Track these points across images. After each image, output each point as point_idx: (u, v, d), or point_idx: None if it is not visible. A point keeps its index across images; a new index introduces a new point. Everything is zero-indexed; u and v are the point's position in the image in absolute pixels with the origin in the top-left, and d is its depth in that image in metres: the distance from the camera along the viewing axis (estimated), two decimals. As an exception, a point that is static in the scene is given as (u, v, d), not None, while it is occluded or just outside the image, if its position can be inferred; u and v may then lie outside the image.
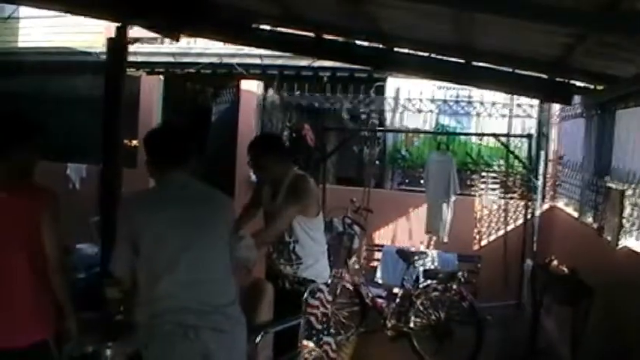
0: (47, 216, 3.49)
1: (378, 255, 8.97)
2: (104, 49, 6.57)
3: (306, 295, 4.62)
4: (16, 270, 3.43)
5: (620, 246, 5.51)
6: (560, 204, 8.93)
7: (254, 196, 5.19)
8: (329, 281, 5.16)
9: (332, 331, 5.16)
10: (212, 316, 3.29)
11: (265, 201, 4.94)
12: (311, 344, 4.72)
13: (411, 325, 6.81)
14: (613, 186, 6.07)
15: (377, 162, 10.50)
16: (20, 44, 12.66)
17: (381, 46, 6.49)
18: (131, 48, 7.52)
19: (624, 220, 5.54)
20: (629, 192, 5.63)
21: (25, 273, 3.45)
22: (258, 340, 3.84)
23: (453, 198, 8.79)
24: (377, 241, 9.54)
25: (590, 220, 7.03)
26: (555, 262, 6.42)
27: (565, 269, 6.16)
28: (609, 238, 5.78)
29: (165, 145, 3.59)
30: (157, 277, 3.27)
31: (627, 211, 5.57)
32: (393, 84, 10.24)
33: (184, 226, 3.36)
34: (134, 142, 10.88)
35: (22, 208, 3.46)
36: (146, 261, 3.29)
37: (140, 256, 3.29)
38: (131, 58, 7.50)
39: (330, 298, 5.09)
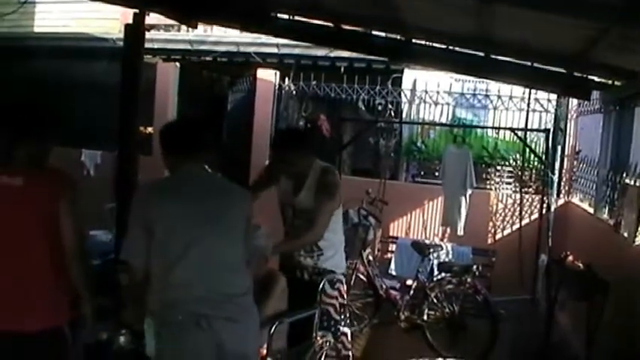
0: (65, 202, 3.49)
1: (392, 247, 8.95)
2: (121, 36, 6.58)
3: (322, 285, 4.61)
4: (34, 256, 3.44)
5: (636, 242, 5.48)
6: (576, 199, 8.90)
7: (263, 177, 5.15)
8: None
9: (348, 322, 5.15)
10: (225, 305, 3.29)
11: (285, 194, 4.88)
12: (329, 335, 4.73)
13: (425, 317, 6.80)
14: (631, 182, 6.04)
15: (392, 154, 10.49)
16: (36, 29, 12.65)
17: (399, 37, 6.48)
18: (148, 35, 7.52)
19: (642, 217, 5.51)
20: (647, 189, 5.61)
21: (43, 259, 3.45)
22: (272, 330, 3.83)
23: (469, 191, 8.76)
24: (392, 233, 9.54)
25: (605, 216, 7.00)
26: (570, 258, 6.40)
27: (580, 265, 6.13)
28: (626, 234, 5.75)
29: (180, 137, 3.59)
30: (169, 266, 3.27)
31: (645, 207, 5.54)
32: (410, 76, 10.21)
33: (199, 217, 3.36)
34: (149, 130, 10.91)
35: (40, 194, 3.47)
36: (159, 249, 3.29)
37: (154, 244, 3.29)
38: (148, 45, 7.51)
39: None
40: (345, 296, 5.03)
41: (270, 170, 5.13)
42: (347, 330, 5.04)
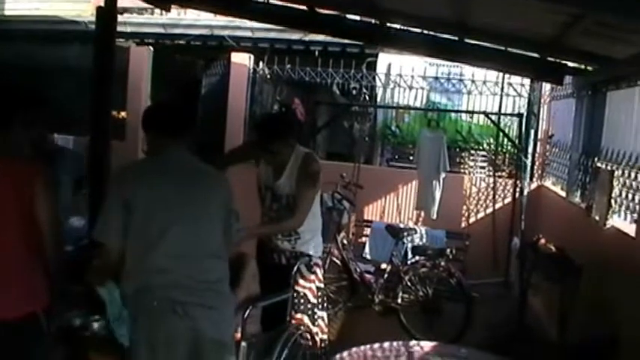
0: (41, 187, 3.45)
1: (367, 231, 8.99)
2: (93, 19, 6.49)
3: (297, 268, 4.63)
4: (10, 241, 3.40)
5: (607, 225, 5.55)
6: (549, 183, 8.98)
7: (239, 153, 5.15)
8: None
9: (326, 305, 5.17)
10: (201, 292, 3.28)
11: (264, 177, 4.89)
12: (305, 318, 4.75)
13: (399, 300, 6.84)
14: (602, 166, 6.10)
15: (367, 138, 10.51)
16: (6, 12, 12.46)
17: (373, 21, 6.47)
18: (120, 18, 7.46)
19: (612, 200, 5.58)
20: (619, 172, 5.67)
21: (19, 244, 3.42)
22: (246, 314, 3.84)
23: (443, 175, 8.79)
24: (366, 217, 9.56)
25: (577, 199, 7.07)
26: (543, 241, 6.47)
27: (553, 248, 6.20)
28: (597, 217, 5.81)
29: (166, 118, 3.57)
30: (145, 250, 3.25)
31: (616, 191, 5.61)
32: (385, 60, 10.23)
33: (177, 200, 3.34)
34: (123, 114, 10.82)
35: (16, 180, 3.43)
36: (136, 232, 3.26)
37: (130, 226, 3.26)
38: (120, 29, 7.43)
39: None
40: (322, 280, 5.06)
41: (249, 150, 5.13)
42: (324, 314, 5.05)
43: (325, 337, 5.07)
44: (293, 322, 4.61)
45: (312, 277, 4.84)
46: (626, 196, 5.54)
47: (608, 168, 5.87)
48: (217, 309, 3.33)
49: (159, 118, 3.57)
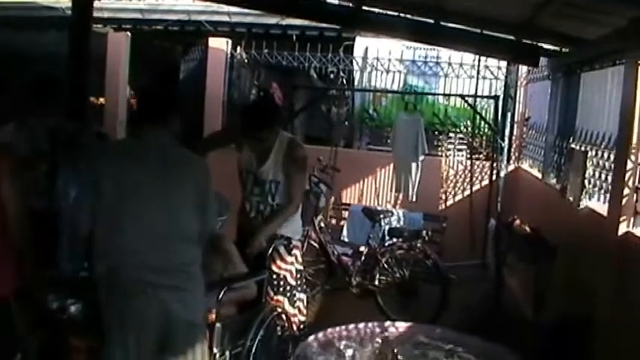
0: (8, 173, 3.45)
1: (345, 214, 9.02)
2: (69, 4, 6.45)
3: (273, 249, 4.68)
4: None
5: (581, 206, 5.61)
6: (525, 165, 9.04)
7: (219, 137, 5.17)
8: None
9: (304, 287, 5.21)
10: (172, 273, 3.29)
11: (247, 162, 4.90)
12: (285, 300, 4.78)
13: (376, 283, 6.86)
14: (576, 147, 6.16)
15: (346, 122, 10.52)
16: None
17: (351, 4, 6.48)
18: (97, 4, 7.40)
19: (586, 181, 5.63)
20: (592, 153, 5.73)
21: None
22: (221, 295, 3.86)
23: (421, 157, 8.81)
24: (345, 200, 9.58)
25: (553, 181, 7.14)
26: (518, 222, 6.53)
27: (527, 228, 6.26)
28: (571, 198, 5.88)
29: (146, 102, 3.58)
30: (118, 230, 3.26)
31: (589, 171, 5.67)
32: (362, 44, 10.22)
33: (152, 182, 3.33)
34: (101, 100, 10.76)
35: None
36: (108, 212, 3.27)
37: (102, 205, 3.26)
38: (97, 14, 7.39)
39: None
40: (301, 261, 5.09)
41: (230, 135, 5.14)
42: (303, 296, 5.10)
43: (304, 319, 5.11)
44: (272, 303, 4.65)
45: (291, 259, 4.88)
46: (599, 176, 5.60)
47: (582, 149, 5.93)
48: (188, 290, 3.34)
49: (139, 104, 3.61)
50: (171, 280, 3.27)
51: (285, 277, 4.82)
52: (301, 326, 5.01)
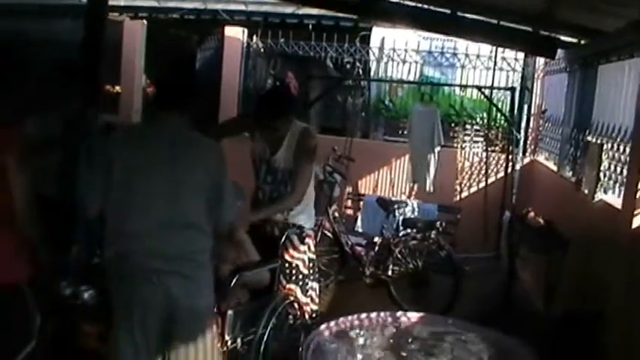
0: (15, 158, 3.51)
1: (359, 204, 9.02)
2: (86, -8, 6.45)
3: (285, 237, 4.69)
4: None
5: (596, 199, 5.58)
6: (541, 158, 9.01)
7: (233, 125, 5.16)
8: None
9: (317, 276, 5.21)
10: (178, 261, 3.28)
11: (260, 150, 4.90)
12: (297, 289, 4.79)
13: (389, 273, 6.87)
14: (592, 140, 6.13)
15: (361, 112, 10.51)
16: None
17: (367, -7, 6.47)
18: (113, -9, 7.43)
19: (601, 174, 5.61)
20: (608, 146, 5.69)
21: None
22: (232, 282, 3.87)
23: (437, 149, 8.80)
24: (360, 191, 9.59)
25: (568, 173, 7.11)
26: (532, 214, 6.51)
27: (541, 221, 6.24)
28: (586, 191, 5.85)
29: (161, 89, 3.58)
30: (126, 217, 3.25)
31: (605, 164, 5.64)
32: (379, 34, 10.20)
33: (162, 168, 3.31)
34: (117, 89, 10.79)
35: None
36: (117, 197, 3.26)
37: (113, 190, 3.26)
38: (113, 2, 7.40)
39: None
40: (314, 251, 5.10)
41: (244, 123, 5.13)
42: (315, 285, 5.09)
43: (316, 307, 5.10)
44: (284, 292, 4.66)
45: (304, 248, 4.87)
46: (614, 169, 5.57)
47: (598, 142, 5.90)
48: (193, 278, 3.32)
49: (157, 91, 3.57)
50: (178, 267, 3.26)
51: (297, 265, 4.82)
52: (313, 315, 5.00)
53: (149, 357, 3.23)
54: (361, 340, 4.11)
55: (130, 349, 3.19)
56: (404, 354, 4.00)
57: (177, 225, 3.30)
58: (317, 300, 5.13)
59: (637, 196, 4.51)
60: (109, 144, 3.38)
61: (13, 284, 3.56)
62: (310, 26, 10.18)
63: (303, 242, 4.86)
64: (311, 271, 4.97)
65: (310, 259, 4.96)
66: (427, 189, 8.95)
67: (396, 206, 7.45)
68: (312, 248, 5.04)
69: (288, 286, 4.75)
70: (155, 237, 3.25)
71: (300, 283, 4.84)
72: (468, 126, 10.02)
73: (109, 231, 3.31)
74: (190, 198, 3.36)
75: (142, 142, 3.40)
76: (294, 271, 4.80)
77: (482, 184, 9.38)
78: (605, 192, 5.64)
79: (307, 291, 4.92)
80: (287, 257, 4.76)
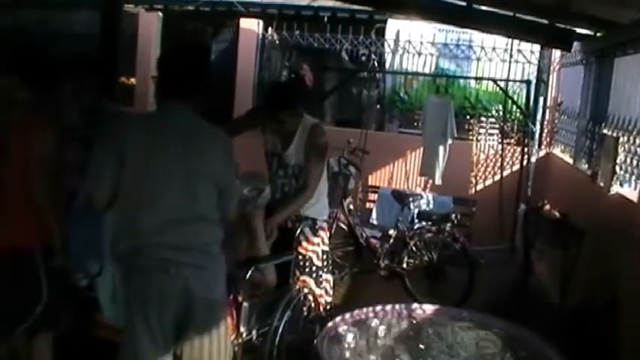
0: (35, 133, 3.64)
1: (374, 196, 9.02)
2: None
3: (300, 232, 4.70)
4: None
5: (612, 192, 5.57)
6: (557, 150, 8.98)
7: (245, 120, 5.18)
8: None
9: (331, 268, 5.22)
10: (194, 252, 3.25)
11: (272, 145, 4.92)
12: (310, 281, 4.81)
13: (404, 265, 6.88)
14: (608, 133, 6.11)
15: (377, 105, 10.51)
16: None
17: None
18: (129, -17, 7.46)
19: (617, 167, 5.59)
20: (624, 139, 5.67)
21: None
22: (248, 274, 3.90)
23: (449, 141, 8.78)
24: (375, 183, 9.59)
25: (584, 166, 7.08)
26: (547, 207, 6.50)
27: (557, 213, 6.23)
28: (602, 184, 5.83)
29: (180, 73, 3.40)
30: (142, 210, 3.20)
31: (621, 157, 5.62)
32: (394, 26, 10.18)
33: (177, 159, 3.26)
34: (132, 80, 10.84)
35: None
36: (130, 191, 3.21)
37: (124, 183, 3.19)
38: (129, -6, 7.43)
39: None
40: (328, 243, 5.11)
41: (255, 117, 5.13)
42: (329, 277, 5.10)
43: (330, 299, 5.13)
44: (298, 283, 4.68)
45: (317, 240, 4.88)
46: (630, 162, 5.55)
47: (614, 135, 5.88)
48: (209, 269, 3.31)
49: (169, 72, 3.41)
50: (193, 258, 3.23)
51: (310, 258, 4.83)
52: (327, 307, 5.03)
53: (165, 348, 3.22)
54: (380, 330, 4.15)
55: (147, 340, 3.17)
56: (422, 346, 4.03)
57: (191, 217, 3.27)
58: (331, 292, 5.15)
59: (653, 189, 4.51)
60: (120, 133, 3.28)
61: (25, 248, 3.65)
62: (325, 18, 10.18)
63: (316, 235, 4.87)
64: (325, 263, 4.98)
65: (324, 252, 4.97)
66: (436, 181, 8.93)
67: (410, 199, 7.46)
68: (326, 240, 5.04)
69: (302, 278, 4.77)
70: (170, 230, 3.21)
71: (314, 275, 4.86)
72: (483, 118, 10.00)
73: (123, 224, 3.27)
74: (203, 190, 3.32)
75: (154, 134, 3.30)
76: (307, 263, 4.81)
77: (497, 177, 9.37)
78: (621, 185, 5.62)
79: (321, 283, 4.93)
80: (300, 250, 4.77)
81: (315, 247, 4.87)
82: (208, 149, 3.39)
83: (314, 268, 4.85)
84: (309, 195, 4.70)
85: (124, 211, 3.25)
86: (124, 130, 3.32)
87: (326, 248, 5.03)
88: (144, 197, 3.21)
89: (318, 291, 4.87)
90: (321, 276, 4.92)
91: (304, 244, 4.79)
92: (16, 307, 3.70)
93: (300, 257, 4.77)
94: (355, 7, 9.12)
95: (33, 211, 3.64)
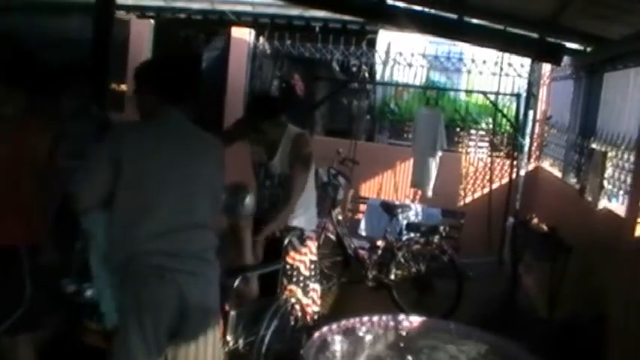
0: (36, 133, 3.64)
1: (363, 207, 9.03)
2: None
3: (288, 241, 4.69)
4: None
5: (600, 207, 5.58)
6: (546, 164, 9.00)
7: (232, 132, 5.18)
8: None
9: (319, 278, 5.22)
10: (190, 260, 3.25)
11: (257, 155, 4.93)
12: (298, 290, 4.81)
13: (392, 277, 6.88)
14: (597, 147, 6.13)
15: (367, 115, 10.53)
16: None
17: (375, -3, 6.48)
18: (121, -10, 7.45)
19: (605, 182, 5.61)
20: (612, 153, 5.69)
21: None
22: (236, 283, 3.89)
23: (439, 153, 8.79)
24: (364, 194, 9.59)
25: (573, 180, 7.11)
26: (535, 220, 6.51)
27: (545, 227, 6.24)
28: (590, 198, 5.85)
29: (175, 77, 3.43)
30: (138, 218, 3.18)
31: (609, 172, 5.63)
32: (385, 37, 10.22)
33: (172, 168, 3.26)
34: (123, 87, 10.81)
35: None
36: (127, 198, 3.18)
37: (120, 190, 3.17)
38: (121, 1, 7.41)
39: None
40: (316, 253, 5.12)
41: (240, 128, 5.13)
42: (317, 286, 5.11)
43: (318, 309, 5.14)
44: (286, 293, 4.67)
45: (305, 250, 4.89)
46: (619, 177, 5.57)
47: (602, 149, 5.90)
48: (204, 276, 3.31)
49: (164, 77, 3.41)
50: (189, 265, 3.23)
51: (298, 267, 4.84)
52: (315, 317, 5.03)
53: (158, 354, 3.21)
54: (367, 340, 4.14)
55: (140, 346, 3.14)
56: (410, 357, 4.03)
57: (187, 224, 3.27)
58: (318, 302, 5.15)
59: (640, 204, 4.52)
60: (118, 140, 3.24)
61: (10, 247, 3.62)
62: (317, 28, 10.19)
63: (303, 244, 4.88)
64: (312, 273, 4.99)
65: (312, 261, 4.98)
66: (427, 193, 8.94)
67: (399, 210, 7.46)
68: (314, 250, 5.05)
69: (289, 287, 4.77)
70: (166, 238, 3.20)
71: (302, 284, 4.86)
72: (473, 131, 10.03)
73: (119, 232, 3.24)
74: (198, 196, 3.34)
75: (151, 143, 3.29)
76: (295, 273, 4.82)
77: (486, 189, 9.40)
78: (609, 200, 5.63)
79: (308, 292, 4.94)
80: (288, 259, 4.78)
81: (303, 256, 4.88)
82: (204, 156, 3.40)
83: (301, 278, 4.86)
84: (292, 204, 4.70)
85: (121, 219, 3.22)
86: (121, 136, 3.29)
87: (314, 258, 5.04)
88: (141, 205, 3.20)
89: (305, 300, 4.87)
90: (308, 285, 4.93)
91: (292, 253, 4.79)
92: None
93: (288, 267, 4.77)
94: (347, 17, 9.13)
95: (20, 211, 3.63)
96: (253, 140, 4.90)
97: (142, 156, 3.22)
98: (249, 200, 4.32)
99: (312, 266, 5.00)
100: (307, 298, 4.92)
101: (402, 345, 4.17)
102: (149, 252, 3.18)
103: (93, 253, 3.54)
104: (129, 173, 3.16)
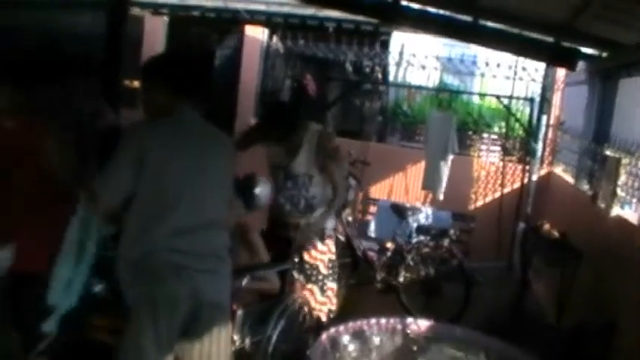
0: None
1: (373, 209, 9.00)
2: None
3: (309, 239, 4.71)
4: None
5: (612, 214, 5.54)
6: (558, 170, 8.94)
7: (248, 137, 5.15)
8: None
9: (336, 277, 5.21)
10: (205, 258, 3.26)
11: (277, 157, 4.91)
12: (316, 289, 4.81)
13: (400, 279, 6.86)
14: (610, 154, 6.08)
15: (380, 117, 10.51)
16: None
17: (389, -2, 6.46)
18: (136, -13, 7.45)
19: (618, 189, 5.56)
20: (626, 160, 5.65)
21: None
22: (244, 283, 3.87)
23: (450, 156, 8.75)
24: (374, 196, 9.56)
25: (585, 186, 7.06)
26: (547, 226, 6.47)
27: (556, 233, 6.21)
28: (602, 205, 5.81)
29: (184, 72, 3.41)
30: (156, 216, 3.18)
31: (622, 179, 5.59)
32: (399, 39, 10.20)
33: (191, 166, 3.26)
34: (136, 83, 10.81)
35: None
36: (147, 197, 3.19)
37: (141, 189, 3.17)
38: (135, -2, 7.41)
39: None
40: (334, 252, 5.13)
41: (257, 134, 5.11)
42: (334, 285, 5.13)
43: (333, 307, 5.15)
44: (299, 292, 4.68)
45: (324, 248, 4.92)
46: (632, 184, 5.52)
47: (616, 156, 5.86)
48: (219, 273, 3.33)
49: (172, 72, 3.38)
50: (205, 264, 3.25)
51: (317, 266, 4.89)
52: (330, 315, 5.04)
53: (169, 349, 3.21)
54: (374, 342, 4.13)
55: (153, 344, 3.14)
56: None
57: (203, 223, 3.28)
58: (334, 300, 5.16)
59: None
60: (138, 140, 3.21)
61: (36, 274, 3.57)
62: (330, 29, 10.15)
63: (323, 243, 4.89)
64: (330, 272, 5.01)
65: (330, 260, 5.00)
66: (438, 196, 8.90)
67: (409, 212, 7.43)
68: (333, 249, 5.08)
69: (308, 286, 4.80)
70: (183, 236, 3.21)
71: (320, 283, 4.91)
72: (485, 134, 9.98)
73: (135, 229, 3.23)
74: (214, 195, 3.36)
75: (171, 141, 3.27)
76: (314, 272, 4.86)
77: (497, 194, 9.34)
78: (622, 207, 5.59)
79: (326, 291, 4.97)
80: (308, 258, 4.80)
81: (323, 255, 4.93)
82: (217, 153, 3.43)
83: (320, 277, 4.90)
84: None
85: (139, 216, 3.22)
86: (143, 135, 3.27)
87: (333, 257, 5.07)
88: (161, 202, 3.20)
89: (322, 299, 4.90)
90: (325, 284, 4.97)
91: (312, 252, 4.81)
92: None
93: (308, 266, 4.81)
94: (360, 18, 9.10)
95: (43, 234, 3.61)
96: (276, 144, 4.88)
97: (164, 154, 3.21)
98: (260, 190, 4.31)
99: (331, 265, 5.03)
100: (324, 297, 4.94)
101: (409, 349, 4.15)
102: (166, 249, 3.18)
103: (73, 232, 3.55)
104: (151, 171, 3.16)
